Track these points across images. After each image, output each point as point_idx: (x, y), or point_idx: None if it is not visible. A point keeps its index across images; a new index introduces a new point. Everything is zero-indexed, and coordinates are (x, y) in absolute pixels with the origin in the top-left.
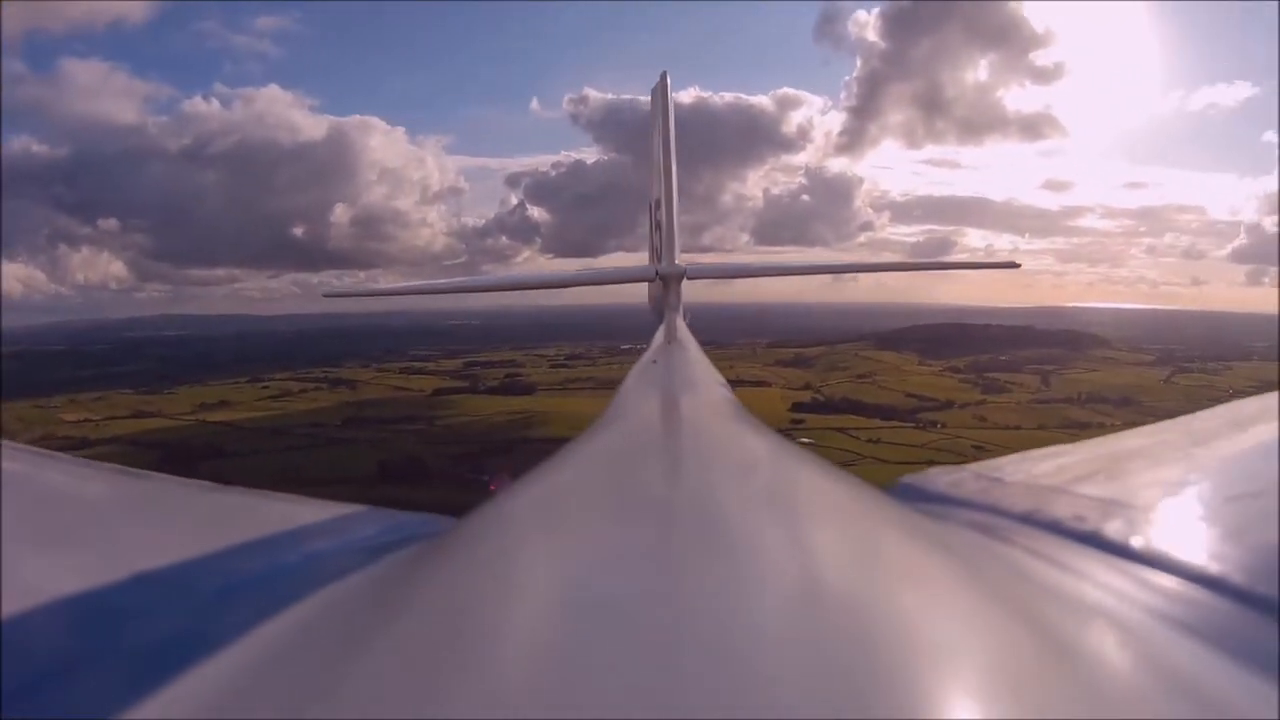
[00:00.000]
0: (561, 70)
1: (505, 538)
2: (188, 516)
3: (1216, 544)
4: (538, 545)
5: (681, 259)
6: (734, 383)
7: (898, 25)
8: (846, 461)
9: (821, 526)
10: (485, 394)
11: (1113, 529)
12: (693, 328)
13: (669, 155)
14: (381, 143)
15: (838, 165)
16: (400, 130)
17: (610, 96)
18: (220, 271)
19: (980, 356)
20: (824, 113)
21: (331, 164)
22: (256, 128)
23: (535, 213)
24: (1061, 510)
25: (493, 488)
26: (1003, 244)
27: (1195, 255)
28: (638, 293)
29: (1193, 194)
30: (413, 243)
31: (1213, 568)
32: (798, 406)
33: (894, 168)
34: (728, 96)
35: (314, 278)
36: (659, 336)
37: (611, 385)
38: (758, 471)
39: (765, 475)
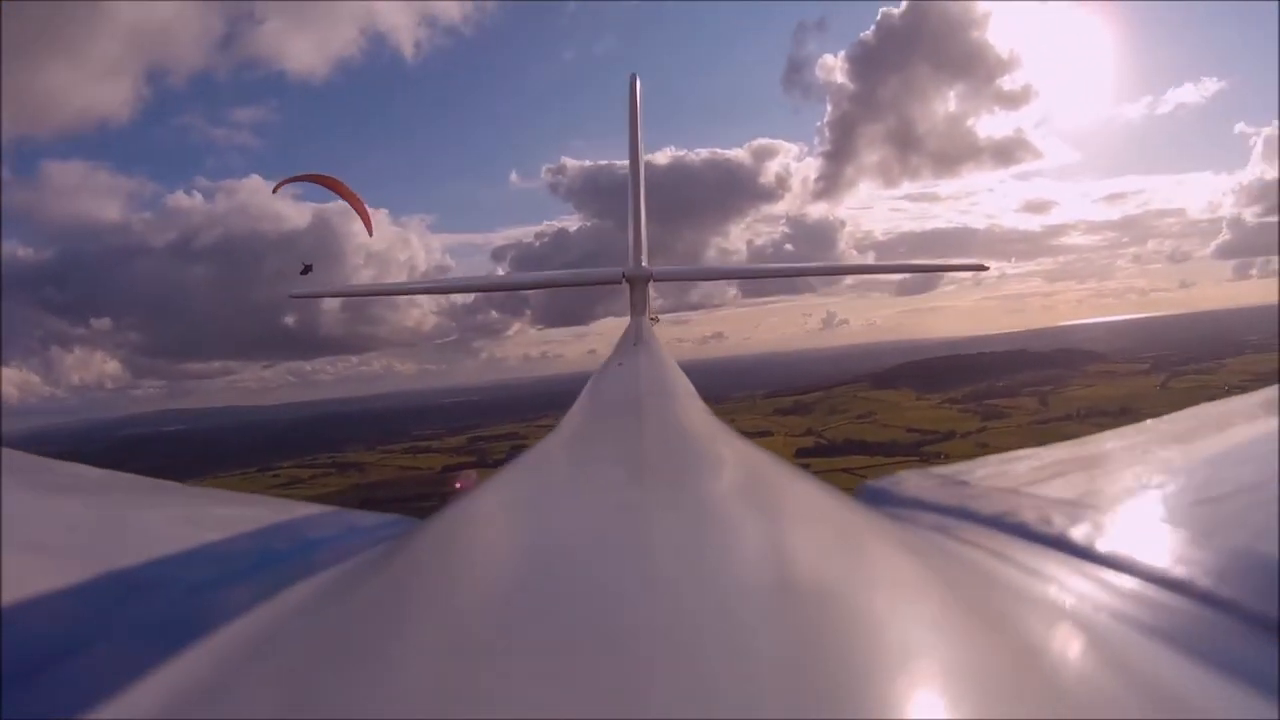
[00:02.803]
0: (536, 141)
1: (474, 538)
2: (161, 515)
3: (1182, 546)
4: (504, 545)
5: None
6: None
7: (864, 65)
8: None
9: (787, 527)
10: (494, 466)
11: (1077, 531)
12: (655, 324)
13: (636, 157)
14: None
15: (818, 211)
16: (383, 212)
17: (587, 164)
18: (215, 364)
19: (977, 385)
20: (799, 159)
21: (318, 250)
22: (240, 218)
23: None
24: (1026, 513)
25: (459, 486)
26: (990, 272)
27: (1180, 258)
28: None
29: (1171, 197)
30: (403, 324)
31: (1177, 570)
32: (801, 452)
33: (873, 207)
34: (703, 153)
35: (308, 365)
36: (626, 338)
37: None
38: (723, 473)
39: (731, 476)
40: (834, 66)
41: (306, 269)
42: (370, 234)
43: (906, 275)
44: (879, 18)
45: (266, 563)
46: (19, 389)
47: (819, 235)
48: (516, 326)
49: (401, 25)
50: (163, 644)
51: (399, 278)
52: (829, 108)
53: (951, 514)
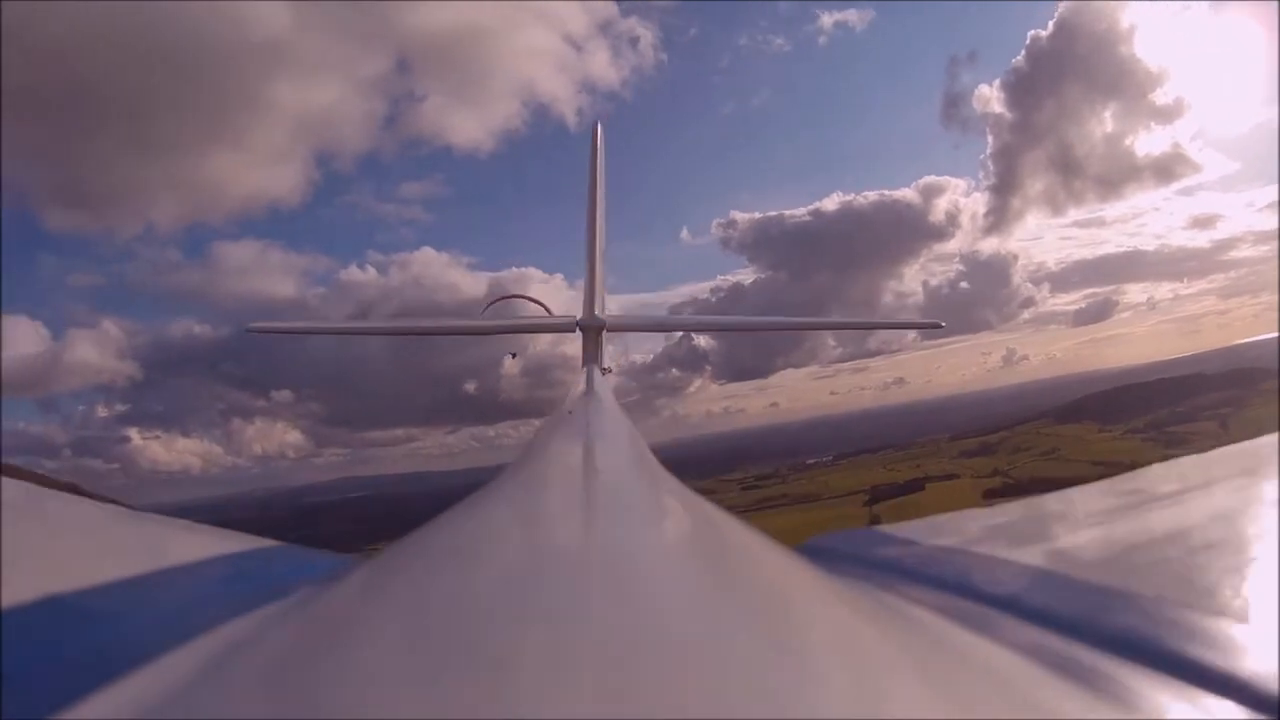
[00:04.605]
0: (704, 197)
1: (407, 579)
2: (113, 542)
3: (1124, 608)
4: (438, 583)
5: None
6: (924, 479)
7: (1019, 93)
8: None
9: (725, 583)
10: None
11: (1022, 592)
12: (608, 374)
13: (595, 205)
14: (541, 291)
15: (989, 246)
16: (559, 277)
17: (756, 215)
18: (398, 431)
19: (1158, 413)
20: (967, 194)
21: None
22: (416, 290)
23: (701, 341)
24: (972, 573)
25: None
26: (1163, 293)
27: None
28: (810, 409)
29: None
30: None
31: (1117, 632)
32: (990, 493)
33: (1043, 237)
34: (871, 195)
35: (490, 430)
36: (577, 388)
37: (805, 499)
38: (663, 525)
39: (669, 528)
40: (990, 97)
41: (513, 355)
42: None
43: (1082, 304)
44: (1028, 42)
45: (206, 595)
46: (202, 459)
47: (993, 271)
48: (697, 383)
49: (561, 96)
50: (95, 673)
51: (578, 341)
52: (990, 139)
53: (895, 572)
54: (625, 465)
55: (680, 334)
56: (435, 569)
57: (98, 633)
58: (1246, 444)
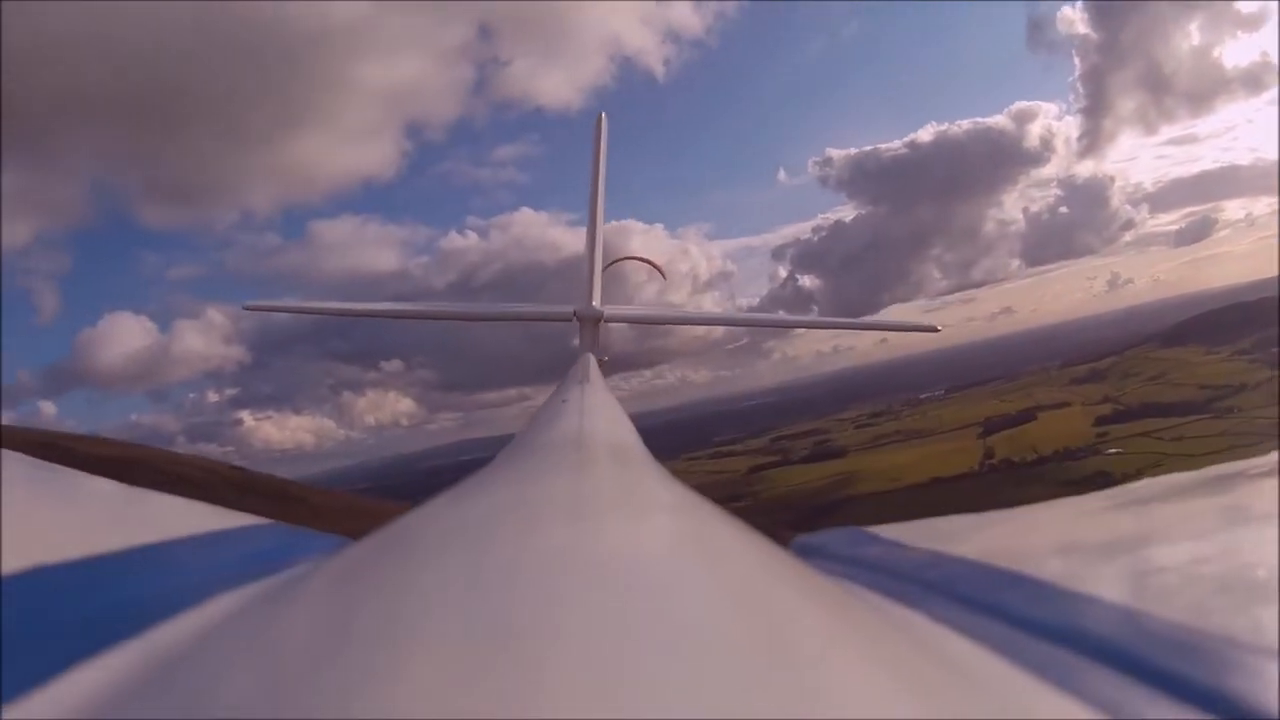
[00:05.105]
0: (798, 136)
1: (393, 561)
2: (105, 516)
3: (1110, 617)
4: (424, 569)
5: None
6: (1036, 408)
7: (1103, 11)
8: (1153, 463)
9: (708, 577)
10: (799, 464)
11: (1006, 597)
12: (605, 364)
13: (596, 196)
14: (643, 242)
15: (1085, 169)
16: (659, 227)
17: (852, 151)
18: (510, 391)
19: (1264, 333)
20: (1059, 118)
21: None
22: (518, 251)
23: (806, 281)
24: (958, 576)
25: None
26: (1261, 209)
27: None
28: (919, 343)
29: None
30: (693, 333)
31: (1102, 640)
32: (1101, 420)
33: (1138, 157)
34: (965, 124)
35: None
36: (572, 375)
37: (920, 435)
38: (649, 519)
39: (655, 523)
40: (1074, 18)
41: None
42: (664, 278)
43: (1182, 224)
44: None
45: (196, 571)
46: (315, 435)
47: (1091, 194)
48: None
49: (647, 48)
50: (81, 646)
51: (682, 290)
52: (1077, 61)
53: (880, 572)
54: (616, 458)
55: (785, 276)
56: (419, 556)
57: (86, 606)
58: (1234, 464)
